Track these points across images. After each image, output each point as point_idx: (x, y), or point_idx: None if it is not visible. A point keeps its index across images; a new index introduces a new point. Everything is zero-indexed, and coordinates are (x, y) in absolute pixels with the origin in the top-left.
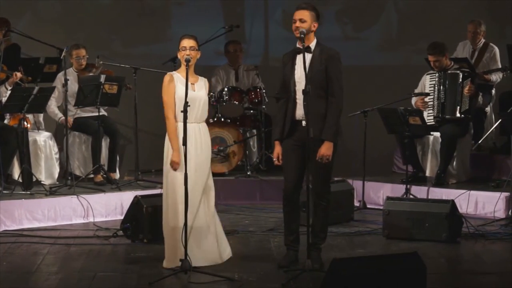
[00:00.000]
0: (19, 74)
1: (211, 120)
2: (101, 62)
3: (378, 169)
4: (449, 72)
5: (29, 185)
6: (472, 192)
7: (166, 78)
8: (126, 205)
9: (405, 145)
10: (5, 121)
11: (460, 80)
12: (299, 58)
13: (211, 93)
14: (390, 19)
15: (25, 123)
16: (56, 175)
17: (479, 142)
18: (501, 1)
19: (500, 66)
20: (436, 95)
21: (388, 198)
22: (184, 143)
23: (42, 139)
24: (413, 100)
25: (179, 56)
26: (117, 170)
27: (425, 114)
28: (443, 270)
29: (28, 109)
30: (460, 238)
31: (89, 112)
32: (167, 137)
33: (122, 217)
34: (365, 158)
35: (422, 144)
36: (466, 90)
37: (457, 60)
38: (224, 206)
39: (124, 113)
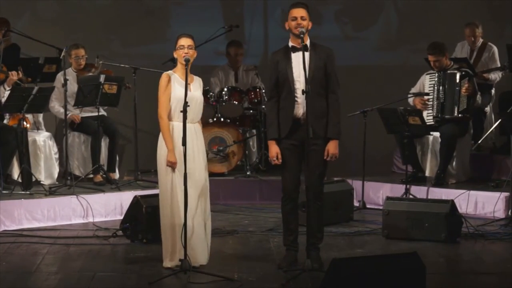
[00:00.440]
0: (15, 73)
1: (210, 120)
2: (101, 62)
3: (378, 169)
4: (448, 72)
5: (29, 185)
6: (472, 192)
7: (163, 77)
8: (126, 205)
9: (405, 145)
10: (5, 121)
11: (458, 79)
12: (295, 56)
13: (211, 93)
14: (389, 19)
15: (25, 123)
16: (56, 175)
17: (479, 142)
18: (501, 1)
19: (499, 65)
20: (435, 95)
21: (388, 198)
22: (184, 143)
23: (42, 139)
24: (411, 99)
25: (175, 55)
26: (117, 170)
27: (424, 114)
28: (443, 270)
29: (27, 109)
30: (459, 238)
31: (88, 112)
32: (160, 137)
33: (121, 217)
34: (365, 158)
35: (422, 144)
36: (463, 89)
37: (457, 60)
38: (223, 206)
39: (124, 113)
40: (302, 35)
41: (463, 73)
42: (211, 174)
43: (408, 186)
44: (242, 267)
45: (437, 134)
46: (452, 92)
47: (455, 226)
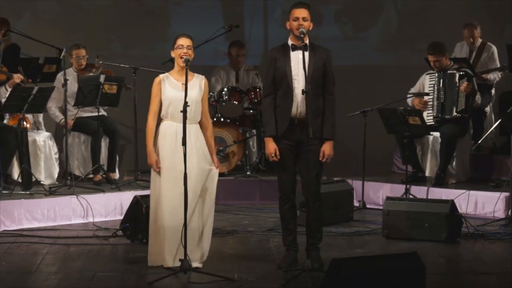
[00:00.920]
0: (19, 76)
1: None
2: (101, 62)
3: (378, 169)
4: (448, 72)
5: (29, 185)
6: (472, 192)
7: (154, 82)
8: (126, 205)
9: (405, 145)
10: (5, 121)
11: (457, 79)
12: (293, 55)
13: (211, 93)
14: (389, 19)
15: (25, 123)
16: (56, 175)
17: (479, 142)
18: (501, 1)
19: (498, 65)
20: (435, 95)
21: (388, 198)
22: (184, 143)
23: (42, 139)
24: (410, 99)
25: (173, 54)
26: (117, 170)
27: (424, 114)
28: (443, 270)
29: (27, 109)
30: (459, 238)
31: (88, 112)
32: (157, 137)
33: (121, 217)
34: (365, 158)
35: (422, 144)
36: (462, 87)
37: (457, 60)
38: (223, 206)
39: (124, 113)
40: (302, 36)
41: (463, 73)
42: None
43: (408, 186)
44: (242, 267)
45: (437, 134)
46: (452, 92)
47: (455, 226)
